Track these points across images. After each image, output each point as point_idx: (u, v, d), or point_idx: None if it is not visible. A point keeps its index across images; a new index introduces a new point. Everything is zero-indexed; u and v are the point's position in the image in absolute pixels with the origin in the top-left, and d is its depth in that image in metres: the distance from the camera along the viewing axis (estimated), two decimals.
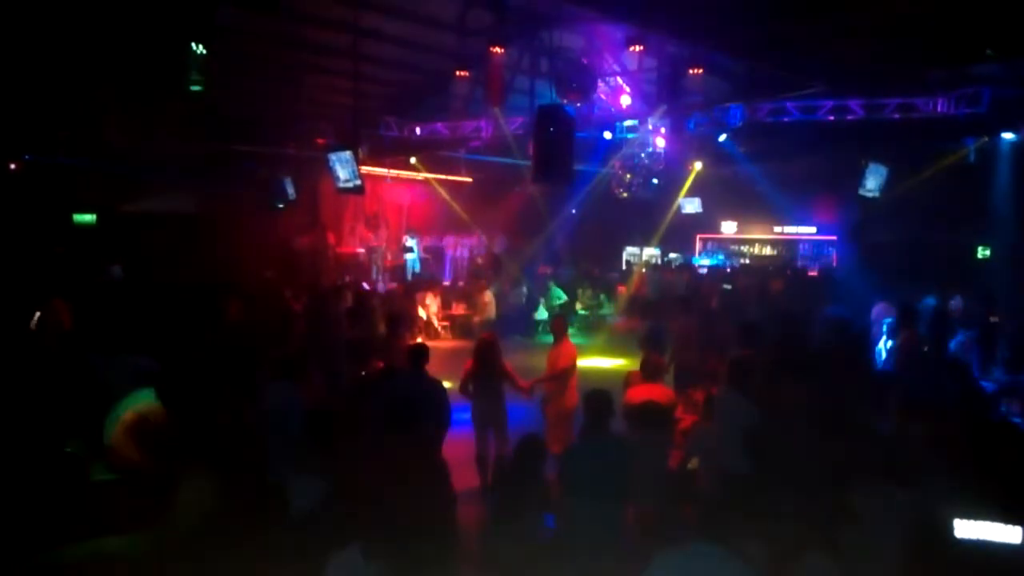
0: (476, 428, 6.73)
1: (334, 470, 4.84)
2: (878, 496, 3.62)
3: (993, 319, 9.27)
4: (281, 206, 15.51)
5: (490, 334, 7.66)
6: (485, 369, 6.72)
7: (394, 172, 18.28)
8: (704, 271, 18.74)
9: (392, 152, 16.67)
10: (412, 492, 4.23)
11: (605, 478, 4.33)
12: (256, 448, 5.41)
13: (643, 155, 15.14)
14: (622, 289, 17.85)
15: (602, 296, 17.53)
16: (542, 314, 15.95)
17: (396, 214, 19.55)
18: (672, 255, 20.71)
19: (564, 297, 16.60)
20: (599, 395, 4.72)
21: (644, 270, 19.16)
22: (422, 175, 18.65)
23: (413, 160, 17.59)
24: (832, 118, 12.61)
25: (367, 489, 4.29)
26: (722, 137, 14.40)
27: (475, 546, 4.58)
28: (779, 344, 7.65)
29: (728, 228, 21.04)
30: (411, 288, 15.64)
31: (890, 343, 8.37)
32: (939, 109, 11.72)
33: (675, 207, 19.06)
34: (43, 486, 3.96)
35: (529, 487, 4.36)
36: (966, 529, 3.14)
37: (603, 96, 13.78)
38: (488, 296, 14.97)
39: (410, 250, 18.36)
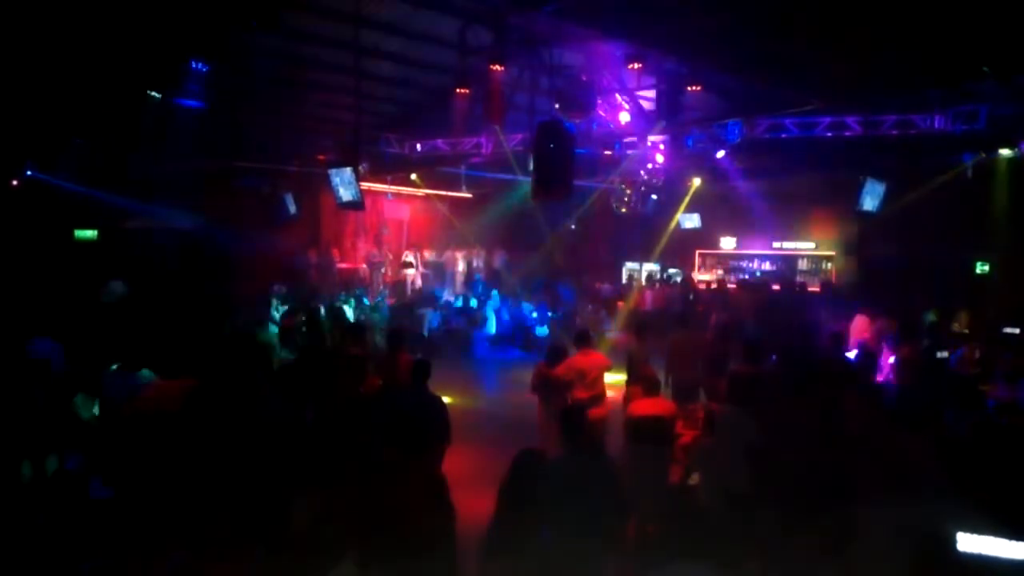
0: (540, 429, 7.24)
1: (334, 485, 4.83)
2: (880, 511, 3.61)
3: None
4: (282, 222, 15.57)
5: (561, 342, 8.25)
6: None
7: (395, 188, 18.36)
8: (703, 286, 18.77)
9: (393, 168, 16.73)
10: (412, 507, 4.21)
11: (582, 496, 4.23)
12: (256, 463, 5.40)
13: (642, 171, 15.21)
14: (620, 304, 17.85)
15: (603, 312, 17.53)
16: (542, 331, 15.93)
17: (397, 230, 19.61)
18: (671, 270, 20.74)
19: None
20: (574, 410, 4.64)
21: (644, 285, 19.19)
22: (422, 191, 18.73)
23: (414, 176, 17.67)
24: (830, 135, 12.68)
25: (367, 504, 4.28)
26: (720, 153, 14.48)
27: (474, 562, 4.55)
28: (780, 360, 7.67)
29: (727, 244, 21.10)
30: (411, 304, 15.65)
31: (891, 358, 8.39)
32: (937, 126, 11.80)
33: (674, 223, 19.12)
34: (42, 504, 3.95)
35: (527, 501, 4.33)
36: (970, 544, 3.13)
37: (602, 113, 13.87)
38: (487, 311, 14.98)
39: (410, 265, 18.40)
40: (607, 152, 14.77)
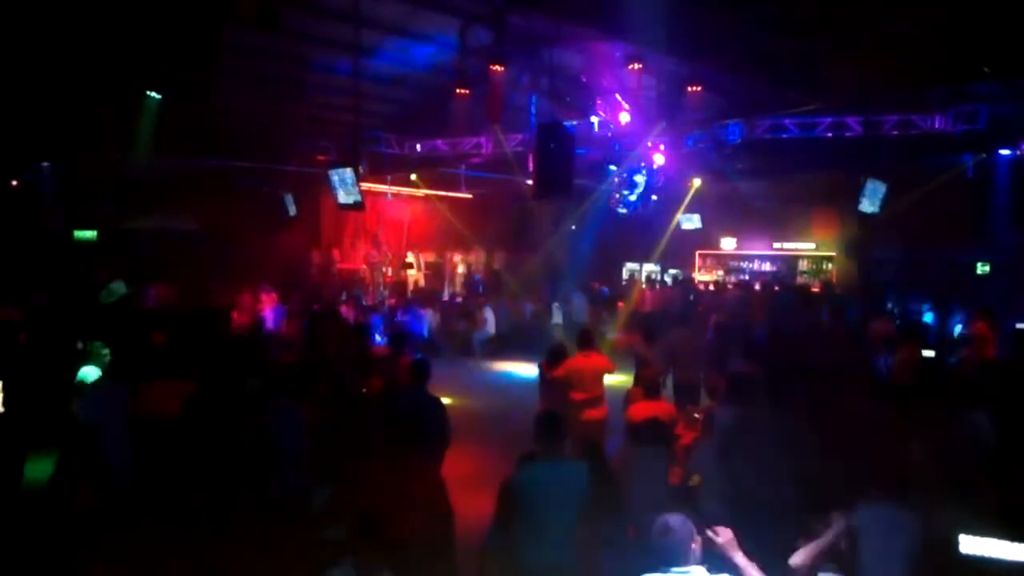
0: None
1: (334, 485, 4.83)
2: (881, 513, 3.59)
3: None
4: (282, 223, 15.58)
5: (561, 343, 8.26)
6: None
7: (395, 189, 18.35)
8: (702, 287, 18.75)
9: (392, 169, 16.73)
10: (411, 507, 4.21)
11: (559, 502, 4.15)
12: (256, 462, 5.39)
13: (642, 171, 15.19)
14: (620, 305, 17.84)
15: (604, 313, 17.48)
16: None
17: (397, 230, 19.59)
18: (672, 271, 20.74)
19: None
20: (551, 417, 4.50)
21: (644, 286, 19.18)
22: (422, 191, 18.73)
23: (413, 177, 17.67)
24: (831, 135, 12.67)
25: (367, 504, 4.27)
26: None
27: (474, 562, 4.54)
28: (777, 360, 7.65)
29: (727, 244, 21.09)
30: (411, 305, 15.63)
31: (891, 359, 8.35)
32: (937, 126, 11.80)
33: (674, 223, 19.11)
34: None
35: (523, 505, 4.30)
36: (972, 546, 3.12)
37: (602, 113, 13.85)
38: (488, 312, 14.97)
39: (411, 266, 18.40)
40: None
